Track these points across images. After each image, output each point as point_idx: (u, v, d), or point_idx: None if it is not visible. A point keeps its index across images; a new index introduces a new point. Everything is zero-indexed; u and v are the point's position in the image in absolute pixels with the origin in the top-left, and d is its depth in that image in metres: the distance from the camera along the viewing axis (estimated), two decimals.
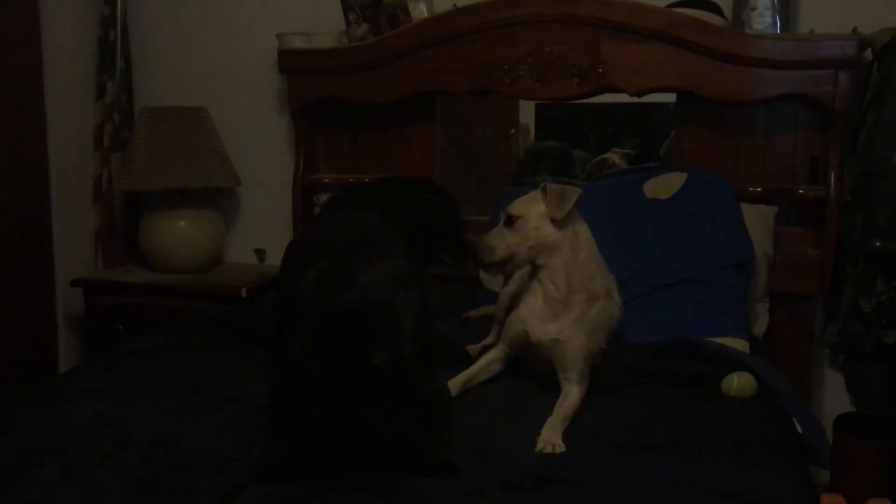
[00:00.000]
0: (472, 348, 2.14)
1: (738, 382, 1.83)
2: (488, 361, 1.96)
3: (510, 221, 1.85)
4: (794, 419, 1.85)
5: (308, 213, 3.06)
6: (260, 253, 3.28)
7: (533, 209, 1.85)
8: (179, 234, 3.06)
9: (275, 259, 3.25)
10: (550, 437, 1.60)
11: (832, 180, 2.51)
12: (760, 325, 2.47)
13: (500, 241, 1.84)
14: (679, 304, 2.24)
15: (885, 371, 2.60)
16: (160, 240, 3.07)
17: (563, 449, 1.57)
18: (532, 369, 1.92)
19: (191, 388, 1.87)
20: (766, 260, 2.49)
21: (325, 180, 3.04)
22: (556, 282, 1.84)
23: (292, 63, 2.95)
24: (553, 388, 1.82)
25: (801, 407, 1.91)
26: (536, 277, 1.88)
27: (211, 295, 2.90)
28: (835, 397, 2.77)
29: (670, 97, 2.75)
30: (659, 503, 1.33)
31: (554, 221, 1.83)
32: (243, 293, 2.87)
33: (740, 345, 2.14)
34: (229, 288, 2.91)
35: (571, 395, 1.77)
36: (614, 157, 3.06)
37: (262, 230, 3.30)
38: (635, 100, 2.70)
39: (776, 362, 2.44)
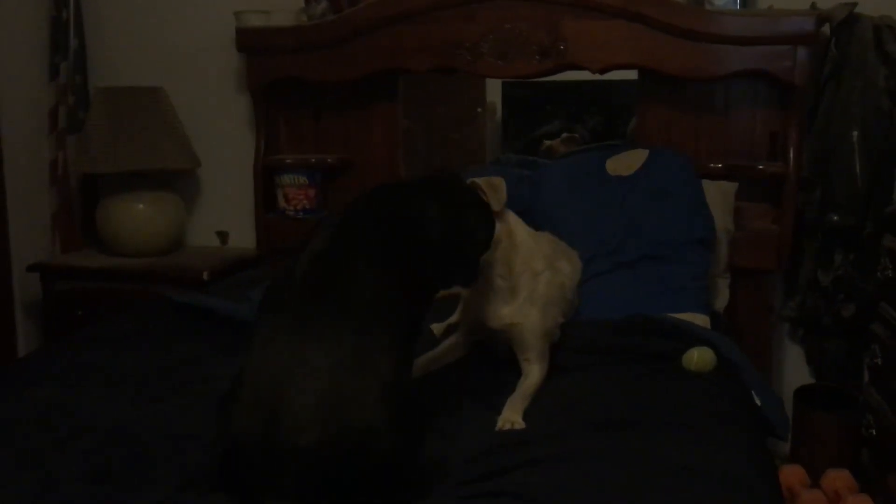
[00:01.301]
0: (437, 327, 2.14)
1: (699, 357, 1.84)
2: (451, 346, 1.95)
3: None
4: (752, 393, 1.87)
5: (270, 195, 3.02)
6: (222, 235, 3.25)
7: None
8: (138, 217, 3.01)
9: (237, 241, 3.23)
10: (510, 416, 1.60)
11: (791, 156, 2.53)
12: (721, 299, 2.49)
13: None
14: (641, 280, 2.25)
15: (844, 344, 2.64)
16: (119, 223, 3.01)
17: (523, 426, 1.57)
18: (495, 350, 1.92)
19: (149, 373, 1.84)
20: (726, 235, 2.51)
21: (287, 161, 3.00)
22: (501, 272, 1.82)
23: (251, 41, 2.91)
24: (515, 369, 1.82)
25: (760, 381, 1.93)
26: (487, 270, 1.82)
27: (172, 279, 2.86)
28: (795, 370, 2.81)
29: (635, 74, 2.75)
30: (617, 479, 1.33)
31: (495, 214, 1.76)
32: (205, 276, 2.84)
33: (701, 320, 2.16)
34: (190, 271, 2.88)
35: (532, 374, 1.77)
36: (558, 144, 3.09)
37: (224, 212, 3.26)
38: (601, 77, 2.70)
39: (737, 336, 2.46)
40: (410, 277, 1.44)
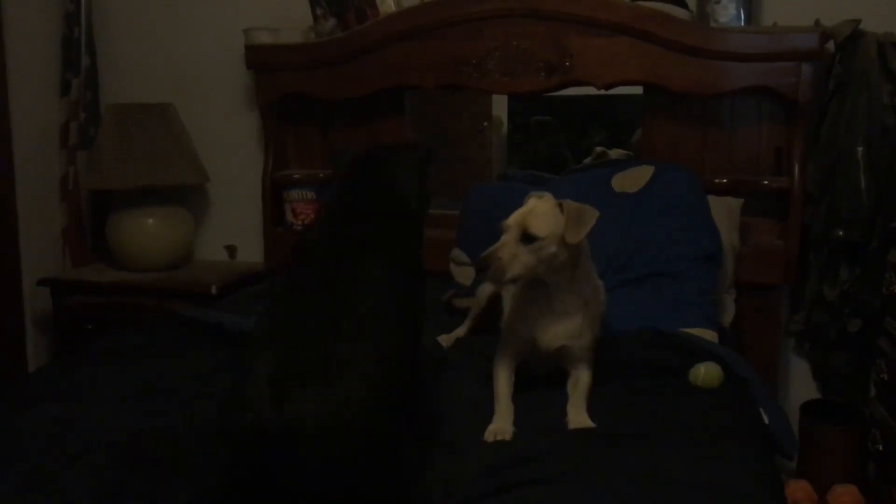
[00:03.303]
0: (445, 338, 2.15)
1: (705, 372, 1.85)
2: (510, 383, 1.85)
3: (529, 240, 1.69)
4: (760, 410, 1.87)
5: (278, 210, 3.04)
6: (231, 249, 3.27)
7: (554, 230, 1.71)
8: (148, 232, 3.04)
9: (245, 256, 3.26)
10: (579, 419, 1.65)
11: (796, 171, 2.54)
12: (728, 315, 2.49)
13: (516, 260, 1.68)
14: (650, 296, 2.26)
15: (850, 358, 2.64)
16: (128, 238, 3.04)
17: (593, 425, 1.63)
18: (534, 370, 1.88)
19: (159, 387, 1.86)
20: (732, 251, 2.52)
21: (296, 176, 3.03)
22: (562, 297, 1.79)
23: (259, 59, 2.94)
24: (530, 385, 1.82)
25: (768, 397, 1.93)
26: (538, 290, 1.79)
27: (181, 293, 2.88)
28: (801, 385, 2.81)
29: (640, 89, 2.77)
30: (624, 494, 1.34)
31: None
32: (213, 290, 2.86)
33: (709, 335, 2.16)
34: (199, 285, 2.90)
35: (583, 377, 1.79)
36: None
37: (233, 227, 3.29)
38: (605, 92, 2.71)
39: (744, 351, 2.47)
40: (411, 252, 1.55)
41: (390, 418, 1.31)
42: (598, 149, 3.12)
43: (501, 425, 1.64)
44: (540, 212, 1.71)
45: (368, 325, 1.37)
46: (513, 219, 1.72)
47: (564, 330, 1.80)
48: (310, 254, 1.56)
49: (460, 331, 2.19)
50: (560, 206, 1.72)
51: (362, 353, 1.31)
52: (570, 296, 1.79)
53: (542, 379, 1.86)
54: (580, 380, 1.78)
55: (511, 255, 1.67)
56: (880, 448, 2.35)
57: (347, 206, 1.69)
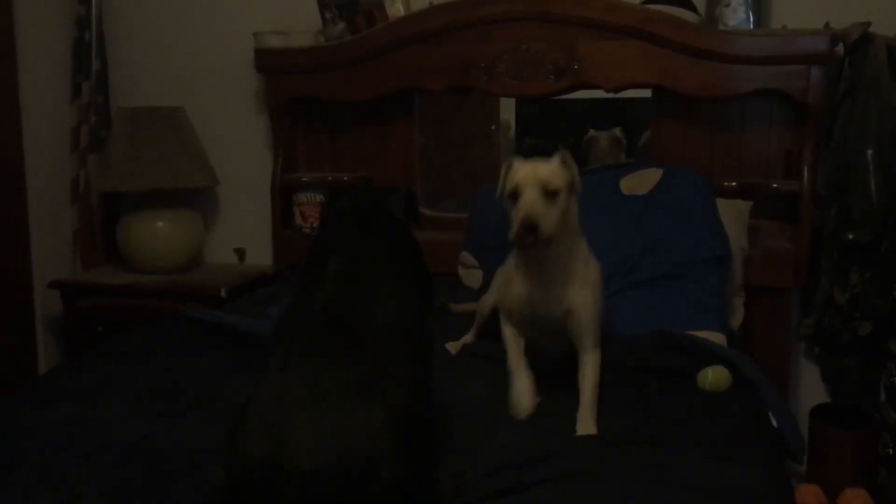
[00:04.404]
0: (453, 346, 2.15)
1: (713, 376, 1.84)
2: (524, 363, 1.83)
3: (550, 195, 1.61)
4: (769, 413, 1.87)
5: (287, 213, 3.05)
6: (240, 252, 3.28)
7: (566, 181, 1.64)
8: (158, 234, 3.05)
9: (255, 258, 3.27)
10: (585, 425, 1.64)
11: (806, 174, 2.54)
12: (737, 318, 2.49)
13: (547, 218, 1.59)
14: (658, 299, 2.26)
15: (860, 362, 2.64)
16: (139, 241, 3.05)
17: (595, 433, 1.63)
18: (541, 353, 1.84)
19: (169, 389, 1.87)
20: (741, 254, 2.52)
21: (305, 179, 3.04)
22: (564, 260, 1.71)
23: (269, 62, 2.95)
24: (541, 382, 1.81)
25: (778, 402, 1.92)
26: (532, 255, 1.70)
27: (190, 295, 2.89)
28: (811, 388, 2.80)
29: (648, 92, 2.77)
30: (634, 496, 1.34)
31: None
32: (223, 293, 2.86)
33: (718, 338, 2.16)
34: (209, 288, 2.91)
35: (589, 370, 1.73)
36: (604, 139, 3.02)
37: (242, 230, 3.30)
38: (614, 94, 2.71)
39: (753, 355, 2.46)
40: (421, 293, 1.46)
41: (405, 465, 1.26)
42: (591, 132, 3.06)
43: (521, 400, 1.66)
44: (548, 167, 1.64)
45: (385, 357, 1.34)
46: (525, 177, 1.62)
47: (565, 294, 1.72)
48: (322, 272, 1.50)
49: (468, 337, 2.19)
50: (562, 158, 1.66)
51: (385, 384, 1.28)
52: (571, 258, 1.72)
53: (549, 363, 1.84)
54: (586, 375, 1.73)
55: (543, 213, 1.59)
56: (891, 452, 2.34)
57: (351, 228, 1.68)
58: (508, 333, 1.82)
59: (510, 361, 1.79)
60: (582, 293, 1.74)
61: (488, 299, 2.13)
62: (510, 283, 1.81)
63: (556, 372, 1.84)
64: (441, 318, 2.38)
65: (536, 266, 1.72)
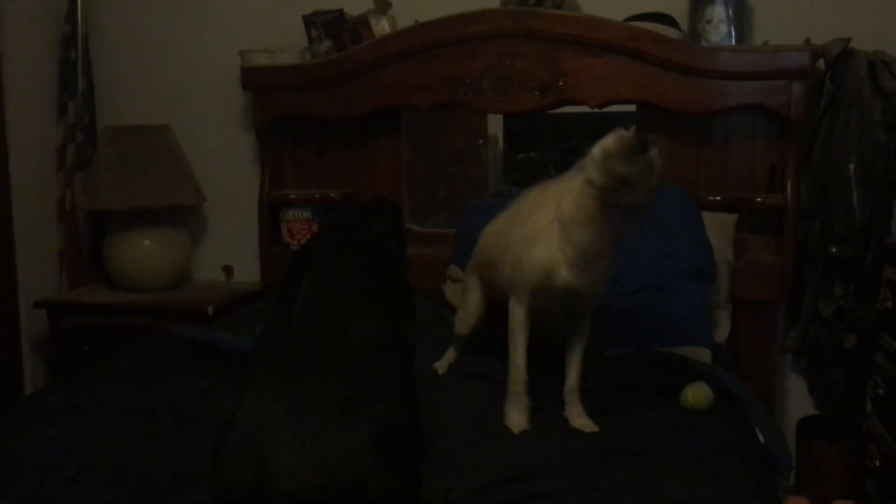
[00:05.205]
0: (440, 365, 2.14)
1: (693, 396, 1.84)
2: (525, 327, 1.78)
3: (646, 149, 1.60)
4: (756, 430, 1.87)
5: (275, 230, 3.05)
6: (227, 270, 3.27)
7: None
8: (145, 252, 3.04)
9: (242, 276, 3.26)
10: (584, 425, 1.71)
11: (789, 188, 2.56)
12: (722, 331, 2.50)
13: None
14: (641, 310, 2.27)
15: (846, 374, 2.65)
16: (125, 259, 3.05)
17: (596, 429, 1.70)
18: (538, 319, 1.79)
19: (155, 408, 1.86)
20: (726, 267, 2.53)
21: (292, 196, 3.04)
22: (579, 224, 1.66)
23: (255, 80, 2.96)
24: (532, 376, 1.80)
25: (764, 417, 1.93)
26: (576, 219, 1.65)
27: (178, 314, 2.88)
28: (798, 401, 2.82)
29: (633, 106, 2.78)
30: None
31: None
32: (210, 311, 2.86)
33: (703, 353, 2.17)
34: (196, 306, 2.90)
35: (583, 330, 1.78)
36: None
37: (229, 247, 3.29)
38: (599, 110, 2.73)
39: (740, 368, 2.48)
40: (398, 311, 1.47)
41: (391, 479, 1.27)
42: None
43: (516, 417, 1.69)
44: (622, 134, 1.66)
45: (365, 375, 1.34)
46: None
47: (589, 274, 1.69)
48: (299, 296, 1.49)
49: (451, 355, 2.18)
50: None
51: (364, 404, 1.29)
52: (582, 231, 1.66)
53: (542, 335, 1.81)
54: (573, 362, 1.77)
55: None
56: (878, 464, 2.36)
57: (333, 245, 1.69)
58: (517, 325, 1.74)
59: (513, 377, 1.75)
60: (601, 279, 1.73)
61: (465, 322, 2.11)
62: (536, 244, 1.70)
63: (546, 373, 1.84)
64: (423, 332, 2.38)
65: (603, 216, 1.62)
